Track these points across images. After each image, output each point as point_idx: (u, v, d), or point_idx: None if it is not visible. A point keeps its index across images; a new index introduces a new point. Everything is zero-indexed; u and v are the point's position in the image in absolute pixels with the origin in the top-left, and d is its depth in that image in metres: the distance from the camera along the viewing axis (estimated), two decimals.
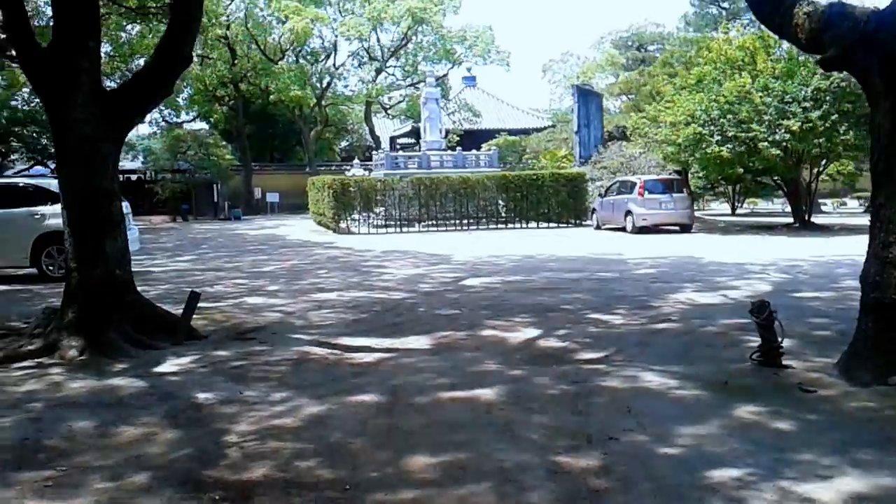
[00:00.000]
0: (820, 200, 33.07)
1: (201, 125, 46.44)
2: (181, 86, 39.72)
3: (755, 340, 7.25)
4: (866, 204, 36.16)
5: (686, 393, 5.73)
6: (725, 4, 42.16)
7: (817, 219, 25.78)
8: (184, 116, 46.24)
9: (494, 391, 5.86)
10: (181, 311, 8.05)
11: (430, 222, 26.80)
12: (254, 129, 46.48)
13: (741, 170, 25.47)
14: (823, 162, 24.43)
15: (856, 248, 16.99)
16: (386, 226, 26.39)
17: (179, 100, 42.04)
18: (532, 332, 8.12)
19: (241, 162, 44.54)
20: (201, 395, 5.90)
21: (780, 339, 6.35)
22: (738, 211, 35.44)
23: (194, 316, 8.09)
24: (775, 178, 25.71)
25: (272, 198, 41.84)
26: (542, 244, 19.79)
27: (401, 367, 6.71)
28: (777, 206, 39.30)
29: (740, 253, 16.25)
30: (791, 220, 25.47)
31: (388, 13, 41.57)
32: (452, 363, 6.81)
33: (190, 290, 8.47)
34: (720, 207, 37.34)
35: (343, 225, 26.21)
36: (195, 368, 6.84)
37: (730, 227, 26.20)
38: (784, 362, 6.36)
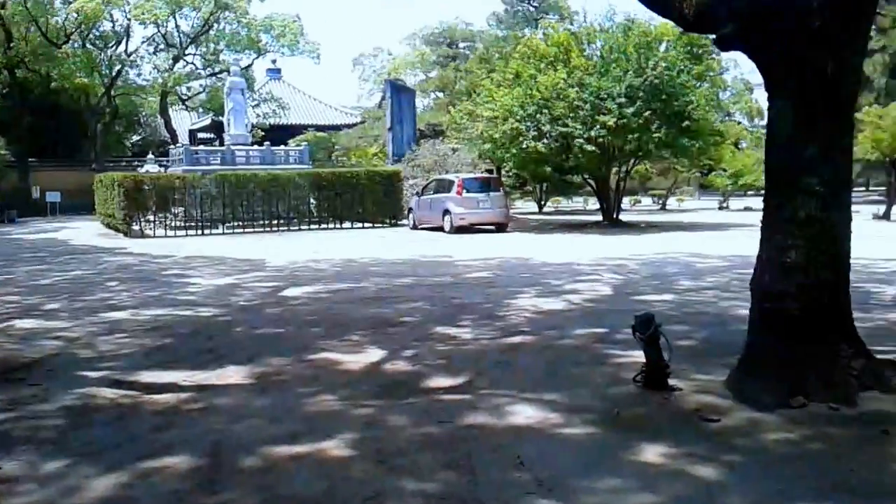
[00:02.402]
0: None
1: None
2: None
3: (620, 355, 6.56)
4: (661, 201, 38.09)
5: (577, 431, 4.76)
6: (535, 3, 42.85)
7: (623, 216, 26.44)
8: None
9: (346, 441, 4.62)
10: None
11: (235, 223, 24.81)
12: (33, 121, 41.62)
13: (548, 168, 25.70)
14: (632, 161, 25.04)
15: (670, 245, 17.53)
16: (186, 228, 24.11)
17: None
18: (375, 354, 6.93)
19: (17, 157, 39.80)
20: None
21: (667, 358, 5.57)
22: (545, 209, 36.01)
23: None
24: (585, 176, 26.08)
25: (52, 197, 37.34)
26: (361, 246, 18.63)
27: (219, 412, 5.29)
28: (578, 205, 40.58)
29: (564, 252, 15.94)
30: (600, 217, 25.96)
31: None
32: (285, 402, 5.48)
33: None
34: (527, 206, 37.80)
35: (136, 227, 23.62)
36: None
37: (542, 225, 26.33)
38: (670, 382, 5.59)
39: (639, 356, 6.44)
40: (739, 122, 49.41)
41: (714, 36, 5.86)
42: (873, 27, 5.42)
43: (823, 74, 5.19)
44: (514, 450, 4.42)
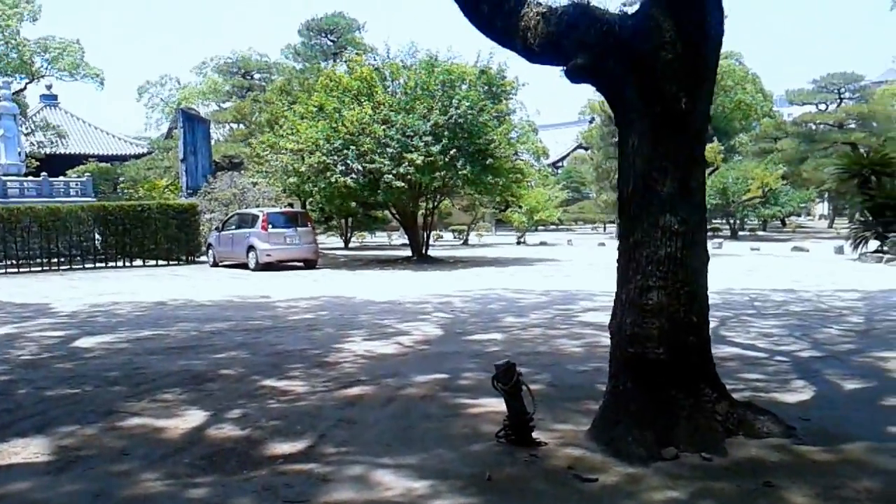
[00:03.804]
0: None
1: None
2: None
3: (471, 405, 6.17)
4: (463, 236, 38.79)
5: (450, 503, 4.22)
6: (333, 37, 42.44)
7: (431, 251, 26.46)
8: None
9: None
10: None
11: (8, 263, 22.20)
12: None
13: (353, 203, 25.32)
14: (438, 197, 25.14)
15: (485, 281, 17.61)
16: None
17: None
18: (196, 416, 6.01)
19: None
20: None
21: (532, 411, 5.18)
22: (351, 244, 35.49)
23: None
24: (392, 211, 25.86)
25: None
26: (160, 286, 17.14)
27: (6, 502, 4.26)
28: (383, 239, 40.49)
29: (384, 290, 15.49)
30: (409, 253, 25.81)
31: None
32: (92, 486, 4.51)
33: None
34: (331, 241, 37.10)
35: None
36: None
37: (351, 261, 25.78)
38: (534, 436, 5.21)
39: (490, 404, 6.11)
40: (526, 161, 51.63)
41: (562, 67, 5.61)
42: None
43: (677, 108, 5.08)
44: None
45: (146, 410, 6.16)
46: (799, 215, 53.10)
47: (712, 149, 26.57)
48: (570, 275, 19.23)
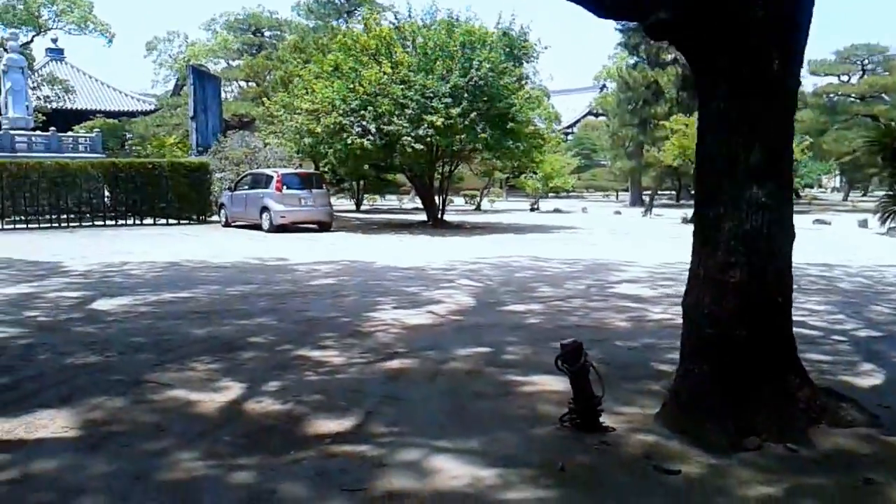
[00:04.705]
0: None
1: None
2: None
3: (523, 383, 5.80)
4: (475, 202, 38.29)
5: (525, 496, 3.83)
6: None
7: (446, 217, 25.99)
8: None
9: None
10: None
11: (17, 219, 21.79)
12: None
13: (366, 166, 24.86)
14: (455, 161, 24.63)
15: (507, 249, 17.16)
16: None
17: None
18: (231, 388, 5.62)
19: None
20: None
21: (601, 394, 4.78)
22: (363, 207, 35.05)
23: None
24: (408, 174, 25.36)
25: None
26: (173, 246, 16.77)
27: (39, 486, 3.87)
28: (394, 203, 40.05)
29: (404, 255, 15.10)
30: (423, 217, 25.36)
31: None
32: (129, 466, 4.14)
33: None
34: (341, 203, 36.64)
35: None
36: None
37: (365, 225, 25.34)
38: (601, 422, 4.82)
39: (544, 382, 5.75)
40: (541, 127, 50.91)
41: (644, 24, 5.13)
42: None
43: (769, 71, 4.62)
44: None
45: (176, 382, 5.77)
46: (812, 187, 52.54)
47: None
48: (594, 243, 18.81)
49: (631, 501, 3.81)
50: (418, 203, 30.98)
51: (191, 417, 5.01)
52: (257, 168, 25.34)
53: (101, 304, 9.11)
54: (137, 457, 4.29)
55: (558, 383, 5.55)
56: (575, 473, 4.11)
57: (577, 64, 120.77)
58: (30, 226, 21.55)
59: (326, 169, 27.21)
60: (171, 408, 5.18)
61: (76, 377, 5.89)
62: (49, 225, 21.84)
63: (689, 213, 26.76)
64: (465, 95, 20.48)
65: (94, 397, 5.34)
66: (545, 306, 9.29)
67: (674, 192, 47.60)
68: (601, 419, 4.80)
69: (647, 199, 37.57)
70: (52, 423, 4.81)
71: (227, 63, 48.46)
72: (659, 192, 39.56)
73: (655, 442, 4.54)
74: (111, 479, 3.97)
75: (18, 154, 24.32)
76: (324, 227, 21.82)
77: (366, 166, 25.21)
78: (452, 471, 4.11)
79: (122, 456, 4.29)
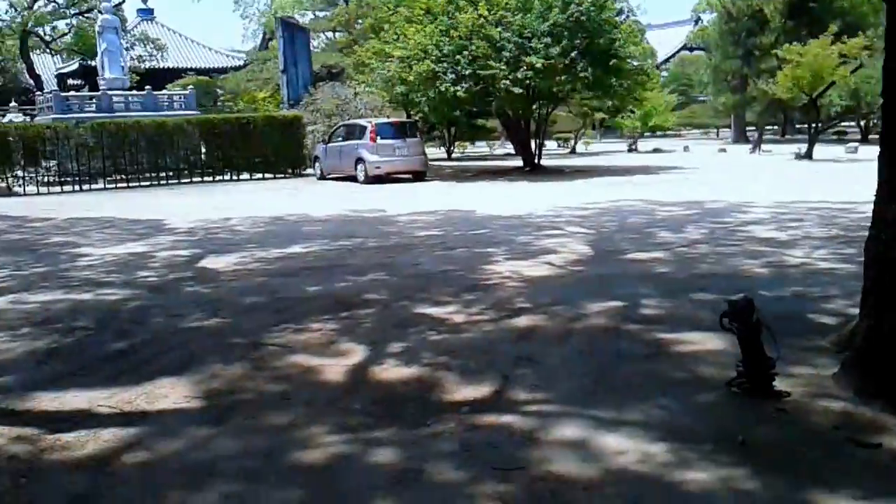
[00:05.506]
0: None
1: None
2: None
3: (672, 341, 5.27)
4: (570, 145, 37.19)
5: (706, 477, 3.30)
6: None
7: (542, 161, 25.19)
8: None
9: None
10: None
11: (118, 177, 22.15)
12: None
13: (458, 112, 24.19)
14: (553, 103, 23.72)
15: (613, 192, 16.29)
16: (61, 183, 21.31)
17: None
18: (353, 351, 5.26)
19: None
20: None
21: (776, 356, 4.19)
22: (454, 155, 34.47)
23: None
24: (502, 119, 24.59)
25: None
26: (272, 200, 16.68)
27: (168, 467, 3.57)
28: (484, 149, 39.27)
29: (505, 203, 14.53)
30: (519, 163, 24.63)
31: None
32: (258, 443, 3.80)
33: None
34: (433, 152, 36.16)
35: (2, 185, 20.71)
36: None
37: (459, 172, 24.79)
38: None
39: (696, 340, 5.20)
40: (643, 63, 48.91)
41: None
42: None
43: None
44: None
45: (296, 344, 5.44)
46: None
47: (857, 43, 24.07)
48: (706, 183, 17.82)
49: (831, 482, 3.23)
50: (509, 149, 30.19)
51: (316, 385, 4.66)
52: (349, 119, 25.04)
53: (210, 262, 8.94)
54: (266, 431, 3.95)
55: (714, 341, 4.99)
56: (757, 447, 3.56)
57: None
58: (130, 184, 21.88)
59: (418, 117, 26.73)
60: (294, 374, 4.85)
61: (192, 340, 5.64)
62: (149, 183, 22.12)
63: (802, 148, 25.27)
64: (566, 33, 19.48)
65: (211, 363, 5.06)
66: (670, 253, 8.62)
67: (778, 127, 45.19)
68: (773, 383, 4.23)
69: (751, 135, 35.64)
70: (172, 392, 4.54)
71: (314, 14, 48.12)
72: (765, 128, 37.51)
73: (843, 409, 3.95)
74: (242, 458, 3.64)
75: (116, 114, 24.62)
76: (418, 176, 21.40)
77: (458, 113, 24.53)
78: (617, 446, 3.62)
79: (249, 430, 3.97)
